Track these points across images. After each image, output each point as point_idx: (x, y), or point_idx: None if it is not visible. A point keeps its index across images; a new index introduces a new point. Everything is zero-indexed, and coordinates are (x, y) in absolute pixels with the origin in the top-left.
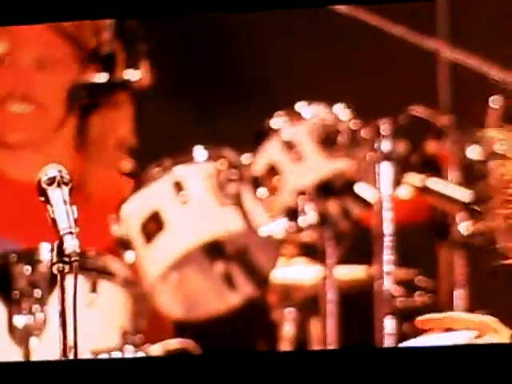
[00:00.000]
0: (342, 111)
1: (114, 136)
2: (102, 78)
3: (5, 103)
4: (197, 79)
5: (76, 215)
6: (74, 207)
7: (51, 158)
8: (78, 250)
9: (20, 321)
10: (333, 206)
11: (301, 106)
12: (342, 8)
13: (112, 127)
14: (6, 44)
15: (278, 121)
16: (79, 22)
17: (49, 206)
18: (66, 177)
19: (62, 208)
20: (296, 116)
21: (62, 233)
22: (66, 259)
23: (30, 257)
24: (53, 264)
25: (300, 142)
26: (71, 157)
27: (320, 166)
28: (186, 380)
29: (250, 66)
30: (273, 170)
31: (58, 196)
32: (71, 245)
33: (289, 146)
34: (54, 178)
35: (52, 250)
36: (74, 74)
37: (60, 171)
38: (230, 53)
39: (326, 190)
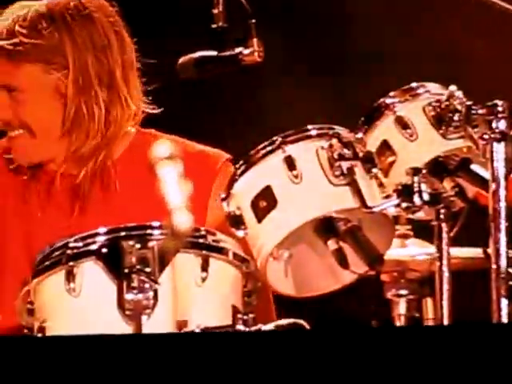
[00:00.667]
0: (457, 90)
1: None
2: (212, 52)
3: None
4: (308, 55)
5: (190, 191)
6: (189, 183)
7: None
8: (190, 227)
9: (130, 297)
10: (448, 185)
11: (416, 84)
12: None
13: None
14: None
15: (392, 98)
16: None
17: (161, 182)
18: (178, 153)
19: (174, 184)
20: (411, 94)
21: (173, 209)
22: (178, 236)
23: (140, 233)
24: (163, 240)
25: (415, 120)
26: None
27: (435, 145)
28: (298, 356)
29: (365, 42)
30: (386, 148)
31: (169, 172)
32: (183, 221)
33: (403, 123)
34: (166, 153)
35: (163, 226)
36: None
37: (171, 147)
38: (345, 28)
39: (441, 168)
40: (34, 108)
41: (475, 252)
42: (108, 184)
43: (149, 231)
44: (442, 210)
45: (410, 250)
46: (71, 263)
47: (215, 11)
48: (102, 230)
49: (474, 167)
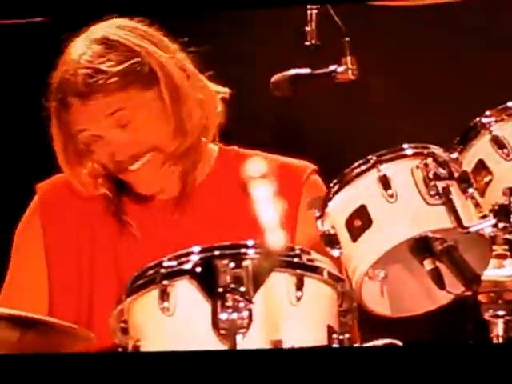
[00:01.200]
0: None
1: None
2: (306, 70)
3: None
4: (406, 74)
5: (283, 210)
6: (284, 203)
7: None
8: (285, 246)
9: (225, 317)
10: None
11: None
12: None
13: None
14: None
15: (488, 118)
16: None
17: (254, 201)
18: (271, 170)
19: (267, 202)
20: (507, 113)
21: (267, 227)
22: (272, 255)
23: (234, 252)
24: (257, 260)
25: (511, 140)
26: None
27: None
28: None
29: (463, 64)
30: (482, 168)
31: (263, 190)
32: (278, 240)
33: (499, 143)
34: (260, 172)
35: (256, 245)
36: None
37: (264, 165)
38: (444, 49)
39: None
40: (150, 127)
41: None
42: (198, 204)
43: (243, 250)
44: None
45: (508, 271)
46: (165, 282)
47: (308, 29)
48: (196, 248)
49: None
